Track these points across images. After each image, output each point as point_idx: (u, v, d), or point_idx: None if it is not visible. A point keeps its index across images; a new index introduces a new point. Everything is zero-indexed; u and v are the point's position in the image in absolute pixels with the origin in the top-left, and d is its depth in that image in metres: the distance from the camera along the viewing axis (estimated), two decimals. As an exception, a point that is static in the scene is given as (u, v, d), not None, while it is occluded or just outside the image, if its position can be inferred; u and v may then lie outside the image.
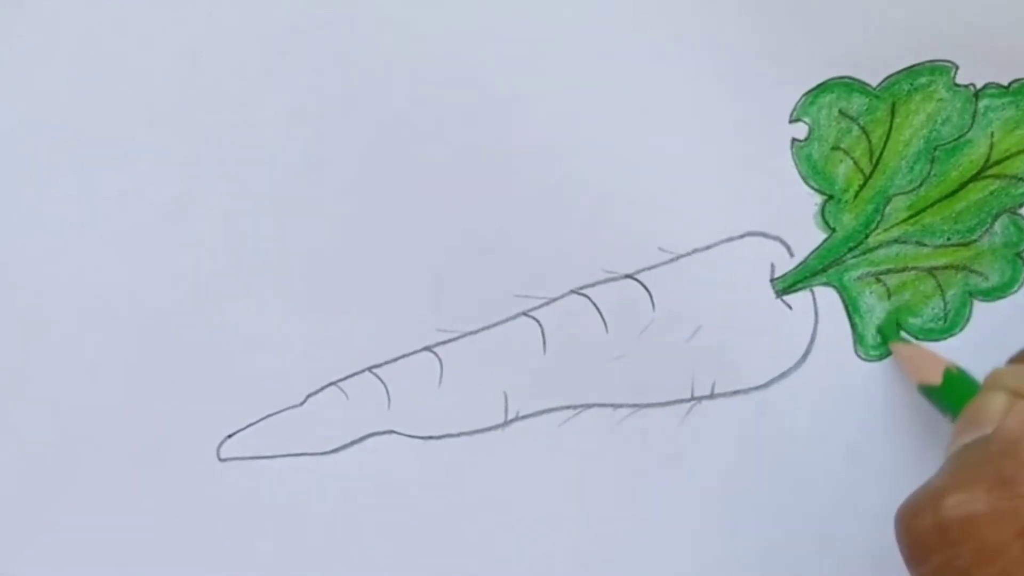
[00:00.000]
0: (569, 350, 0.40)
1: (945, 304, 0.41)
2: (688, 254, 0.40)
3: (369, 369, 0.40)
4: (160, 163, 0.38)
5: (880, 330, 0.40)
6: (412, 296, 0.40)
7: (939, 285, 0.40)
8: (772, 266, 0.40)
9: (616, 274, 0.40)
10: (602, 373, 0.40)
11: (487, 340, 0.40)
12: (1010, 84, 0.40)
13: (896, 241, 0.40)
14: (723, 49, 0.39)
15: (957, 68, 0.39)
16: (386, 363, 0.40)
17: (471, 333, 0.40)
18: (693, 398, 0.40)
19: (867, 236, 0.40)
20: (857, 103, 0.39)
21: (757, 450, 0.41)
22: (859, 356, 0.41)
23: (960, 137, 0.40)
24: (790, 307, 0.40)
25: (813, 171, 0.40)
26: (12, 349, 0.39)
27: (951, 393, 0.38)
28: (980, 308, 0.41)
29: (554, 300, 0.40)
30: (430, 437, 0.40)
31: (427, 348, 0.40)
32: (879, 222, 0.40)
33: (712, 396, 0.40)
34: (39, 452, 0.39)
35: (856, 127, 0.40)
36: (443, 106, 0.39)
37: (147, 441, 0.39)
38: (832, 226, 0.40)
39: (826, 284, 0.40)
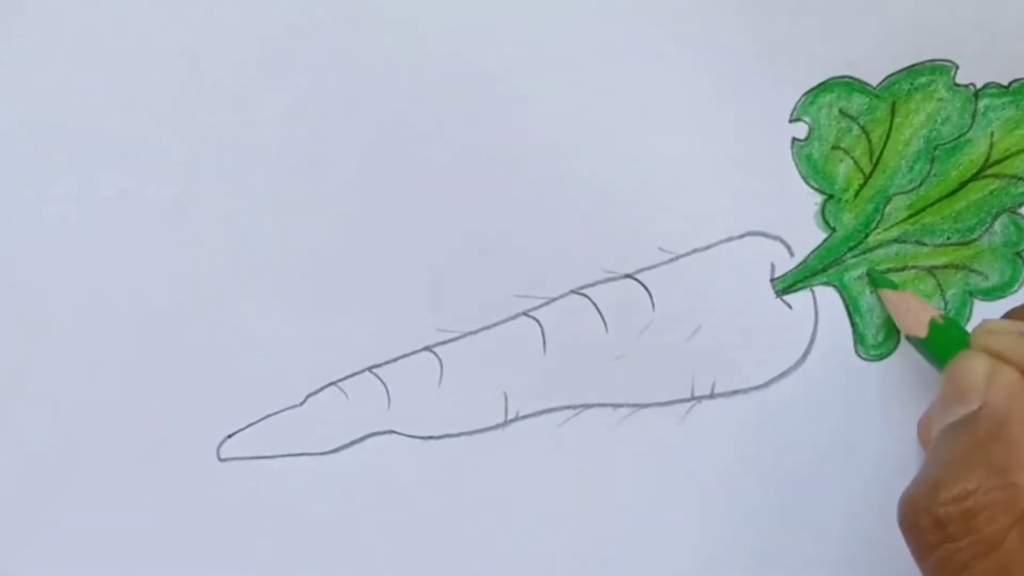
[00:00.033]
0: (569, 350, 0.40)
1: (945, 303, 0.41)
2: (688, 254, 0.40)
3: (369, 369, 0.40)
4: (160, 163, 0.39)
5: (869, 275, 0.40)
6: (412, 296, 0.40)
7: (939, 284, 0.40)
8: (772, 266, 0.40)
9: (616, 274, 0.40)
10: (602, 373, 0.40)
11: (487, 340, 0.40)
12: (1010, 84, 0.40)
13: (896, 241, 0.40)
14: (723, 49, 0.39)
15: (957, 68, 0.39)
16: (386, 363, 0.40)
17: (471, 333, 0.40)
18: (693, 398, 0.40)
19: (867, 236, 0.40)
20: (857, 103, 0.39)
21: (757, 450, 0.41)
22: (859, 356, 0.41)
23: (960, 137, 0.40)
24: (790, 307, 0.40)
25: (813, 171, 0.40)
26: (12, 349, 0.39)
27: (938, 345, 0.38)
28: (980, 308, 0.41)
29: (554, 300, 0.40)
30: (430, 437, 0.40)
31: (427, 348, 0.40)
32: (879, 222, 0.40)
33: (712, 396, 0.40)
34: (39, 452, 0.39)
35: (856, 127, 0.40)
36: (443, 106, 0.39)
37: (147, 441, 0.39)
38: (832, 226, 0.40)
39: (826, 284, 0.40)
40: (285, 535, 0.40)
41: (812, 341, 0.40)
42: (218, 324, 0.39)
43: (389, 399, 0.40)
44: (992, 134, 0.40)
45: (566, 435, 0.40)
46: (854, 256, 0.40)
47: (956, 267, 0.40)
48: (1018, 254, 0.40)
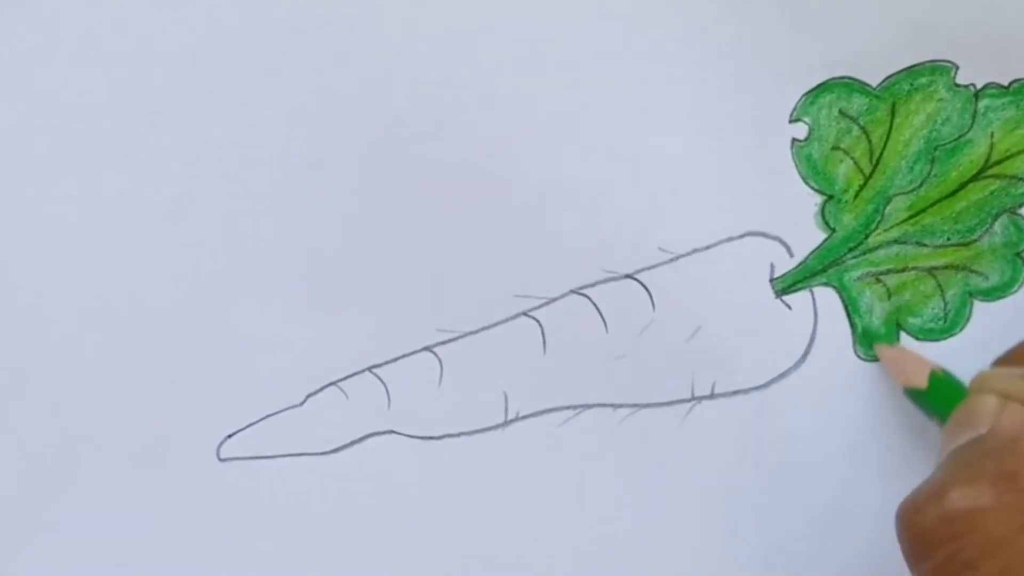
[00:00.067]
0: (569, 350, 0.40)
1: (945, 304, 0.41)
2: (688, 254, 0.40)
3: (369, 369, 0.40)
4: (160, 163, 0.39)
5: (872, 333, 0.40)
6: (412, 296, 0.40)
7: (939, 285, 0.40)
8: (772, 266, 0.40)
9: (616, 274, 0.40)
10: (602, 373, 0.40)
11: (487, 340, 0.40)
12: (1010, 84, 0.40)
13: (896, 241, 0.40)
14: (723, 49, 0.39)
15: (957, 68, 0.39)
16: (386, 363, 0.40)
17: (471, 333, 0.40)
18: (693, 398, 0.40)
19: (867, 236, 0.40)
20: (857, 103, 0.39)
21: (757, 450, 0.41)
22: (859, 356, 0.41)
23: (960, 137, 0.40)
24: (790, 307, 0.40)
25: (813, 171, 0.40)
26: (12, 349, 0.39)
27: (937, 396, 0.38)
28: (980, 308, 0.41)
29: (554, 300, 0.40)
30: (430, 437, 0.40)
31: (427, 348, 0.40)
32: (879, 222, 0.40)
33: (712, 396, 0.40)
34: (39, 452, 0.39)
35: (856, 127, 0.40)
36: (443, 106, 0.39)
37: (147, 441, 0.39)
38: (832, 226, 0.40)
39: (826, 284, 0.40)
40: (285, 535, 0.40)
41: (811, 341, 0.40)
42: (218, 324, 0.39)
43: (389, 399, 0.40)
44: (992, 135, 0.40)
45: (566, 435, 0.40)
46: (854, 257, 0.40)
47: (956, 268, 0.40)
48: (1018, 255, 0.40)
